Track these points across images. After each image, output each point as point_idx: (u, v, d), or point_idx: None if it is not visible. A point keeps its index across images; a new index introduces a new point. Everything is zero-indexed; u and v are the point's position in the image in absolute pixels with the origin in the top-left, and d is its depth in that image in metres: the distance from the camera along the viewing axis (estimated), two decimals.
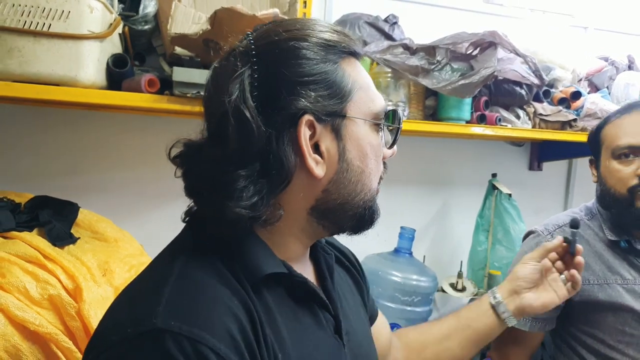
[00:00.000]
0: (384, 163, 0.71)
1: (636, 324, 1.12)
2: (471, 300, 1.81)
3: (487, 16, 1.99)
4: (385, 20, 1.65)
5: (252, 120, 0.58)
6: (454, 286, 1.84)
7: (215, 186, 0.59)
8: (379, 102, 0.68)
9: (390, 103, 1.52)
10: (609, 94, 1.98)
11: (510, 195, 1.77)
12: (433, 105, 1.66)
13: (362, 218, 0.68)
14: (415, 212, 1.98)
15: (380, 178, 0.70)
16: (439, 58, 1.56)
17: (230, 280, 0.58)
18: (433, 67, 1.54)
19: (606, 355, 1.15)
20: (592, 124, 1.79)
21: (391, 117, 0.70)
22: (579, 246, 0.95)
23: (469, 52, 1.61)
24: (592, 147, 1.26)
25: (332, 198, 0.64)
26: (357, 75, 0.65)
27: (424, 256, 1.90)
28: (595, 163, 1.26)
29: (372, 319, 0.88)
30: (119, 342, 0.51)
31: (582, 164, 2.18)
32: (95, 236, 1.10)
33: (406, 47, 1.55)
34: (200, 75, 1.24)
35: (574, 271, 0.94)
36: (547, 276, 0.96)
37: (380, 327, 0.90)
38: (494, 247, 1.81)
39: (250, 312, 0.56)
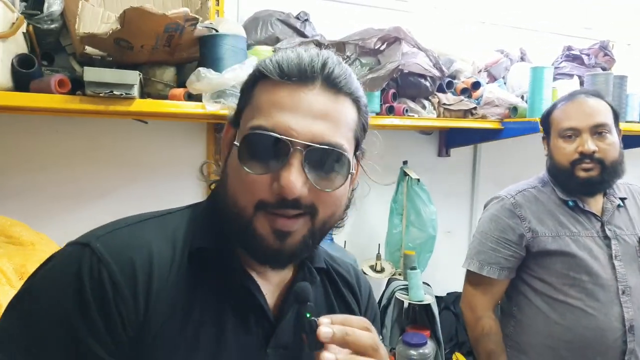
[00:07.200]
0: None
1: (579, 268, 1.37)
2: (390, 279, 1.94)
3: (394, 12, 2.11)
4: (297, 17, 1.71)
5: None
6: (373, 268, 1.96)
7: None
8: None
9: None
10: (505, 83, 2.18)
11: (419, 180, 1.90)
12: None
13: None
14: None
15: None
16: (348, 53, 1.65)
17: (174, 239, 0.66)
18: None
19: (551, 296, 1.40)
20: (491, 111, 1.97)
21: None
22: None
23: (376, 47, 1.71)
24: (544, 128, 1.51)
25: None
26: None
27: (345, 241, 2.00)
28: (546, 140, 1.50)
29: None
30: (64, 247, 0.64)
31: (486, 148, 2.38)
32: (9, 241, 1.08)
33: (318, 44, 1.62)
34: (112, 75, 1.22)
35: None
36: None
37: None
38: (408, 229, 1.95)
39: (162, 267, 0.63)
